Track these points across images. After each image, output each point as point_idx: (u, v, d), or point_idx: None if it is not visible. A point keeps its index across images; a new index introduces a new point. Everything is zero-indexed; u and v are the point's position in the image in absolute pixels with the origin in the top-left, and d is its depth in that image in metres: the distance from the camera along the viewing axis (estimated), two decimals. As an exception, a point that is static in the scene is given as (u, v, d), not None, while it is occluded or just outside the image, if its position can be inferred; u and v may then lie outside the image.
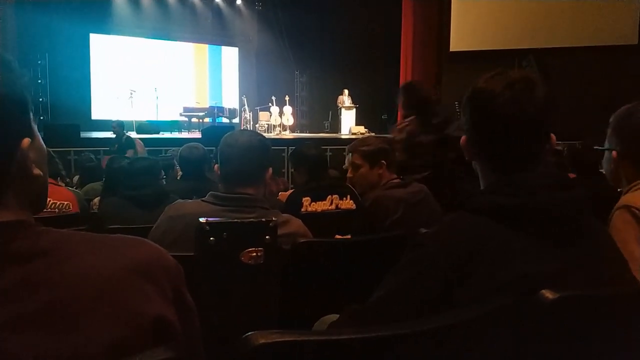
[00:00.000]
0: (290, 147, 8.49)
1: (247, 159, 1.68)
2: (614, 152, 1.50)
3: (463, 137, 1.06)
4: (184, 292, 0.75)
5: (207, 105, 12.04)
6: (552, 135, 1.01)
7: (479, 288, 0.86)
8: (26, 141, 0.70)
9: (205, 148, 3.44)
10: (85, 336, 0.61)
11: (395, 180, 2.55)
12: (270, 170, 1.77)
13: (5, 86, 0.68)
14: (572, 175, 3.12)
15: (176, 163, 4.00)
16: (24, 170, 0.70)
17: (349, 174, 2.67)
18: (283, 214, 1.76)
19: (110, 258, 0.68)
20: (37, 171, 0.71)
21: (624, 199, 1.39)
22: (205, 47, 13.73)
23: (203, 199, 1.71)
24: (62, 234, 0.70)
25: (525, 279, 0.86)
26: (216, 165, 1.74)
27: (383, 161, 2.55)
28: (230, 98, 13.67)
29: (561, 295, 0.81)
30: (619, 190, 1.56)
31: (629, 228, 1.32)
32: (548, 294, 0.81)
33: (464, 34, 11.82)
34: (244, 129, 1.91)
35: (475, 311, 0.81)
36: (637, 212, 1.33)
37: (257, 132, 1.91)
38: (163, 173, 2.98)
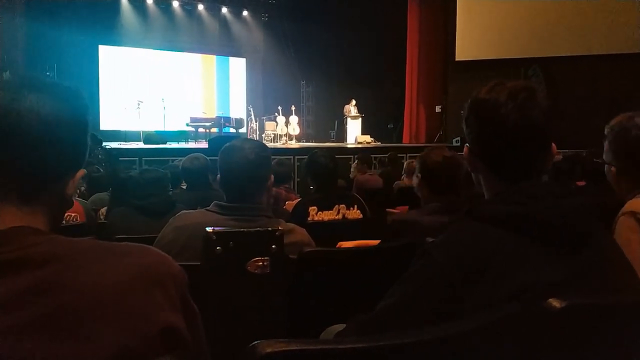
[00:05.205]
0: (296, 157, 8.51)
1: (246, 175, 1.67)
2: (612, 168, 1.50)
3: (466, 148, 1.07)
4: (189, 298, 0.76)
5: (214, 116, 12.11)
6: (553, 144, 1.02)
7: (485, 297, 0.86)
8: (82, 172, 0.76)
9: (210, 158, 3.44)
10: (91, 344, 0.61)
11: (434, 204, 2.06)
12: (272, 177, 1.77)
13: (80, 115, 0.76)
14: (580, 183, 3.10)
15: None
16: (67, 194, 0.76)
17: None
18: (287, 223, 1.76)
19: (118, 265, 0.69)
20: (72, 196, 0.77)
21: (629, 205, 1.39)
22: (212, 58, 13.84)
23: (207, 208, 1.71)
24: (73, 241, 0.71)
25: (532, 288, 0.86)
26: (218, 176, 1.75)
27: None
28: (238, 108, 13.74)
29: (568, 303, 0.80)
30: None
31: (634, 233, 1.32)
32: (555, 303, 0.80)
33: (470, 43, 11.83)
34: (243, 139, 1.87)
35: (481, 320, 0.80)
36: None
37: (256, 143, 1.80)
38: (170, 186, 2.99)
